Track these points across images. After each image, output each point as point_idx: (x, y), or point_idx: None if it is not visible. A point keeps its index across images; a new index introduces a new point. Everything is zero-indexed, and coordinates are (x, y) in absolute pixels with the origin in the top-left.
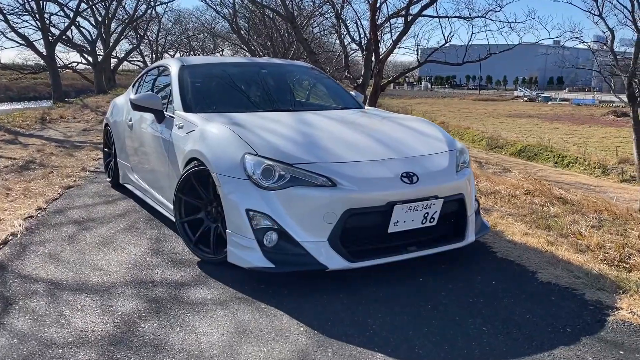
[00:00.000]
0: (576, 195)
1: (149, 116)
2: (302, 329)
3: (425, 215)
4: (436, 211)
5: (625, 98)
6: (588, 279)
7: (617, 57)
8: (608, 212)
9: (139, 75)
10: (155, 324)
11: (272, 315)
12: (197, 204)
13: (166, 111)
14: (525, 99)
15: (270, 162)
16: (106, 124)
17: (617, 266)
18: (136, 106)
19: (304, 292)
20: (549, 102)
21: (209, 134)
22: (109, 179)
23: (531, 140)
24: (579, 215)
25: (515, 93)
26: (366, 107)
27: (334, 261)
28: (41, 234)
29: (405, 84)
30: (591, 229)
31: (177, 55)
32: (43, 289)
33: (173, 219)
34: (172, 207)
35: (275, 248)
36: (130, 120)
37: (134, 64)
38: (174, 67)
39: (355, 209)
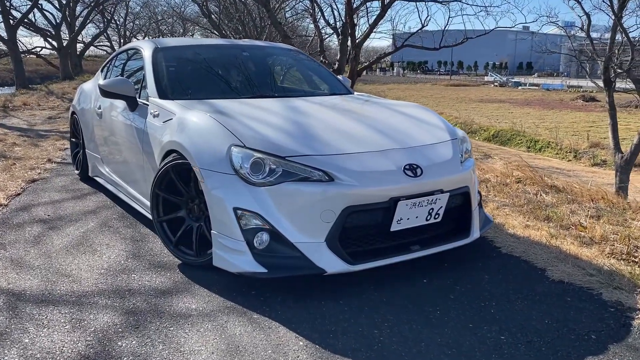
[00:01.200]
0: (571, 185)
1: (121, 103)
2: (301, 343)
3: (430, 211)
4: (441, 206)
5: (601, 83)
6: (602, 277)
7: (587, 42)
8: (604, 200)
9: (108, 59)
10: (134, 342)
11: (267, 327)
12: (177, 201)
13: (139, 98)
14: (495, 84)
15: (259, 155)
16: (73, 112)
17: (626, 260)
18: (106, 92)
19: (299, 299)
20: (519, 87)
21: (189, 124)
22: (77, 172)
23: (504, 125)
24: (575, 204)
25: (486, 78)
26: (355, 93)
27: (333, 264)
28: (2, 235)
29: (377, 70)
30: (591, 220)
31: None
32: (3, 302)
33: (149, 216)
34: (148, 203)
35: (267, 250)
36: (100, 108)
37: (101, 49)
38: (147, 49)
39: (355, 206)
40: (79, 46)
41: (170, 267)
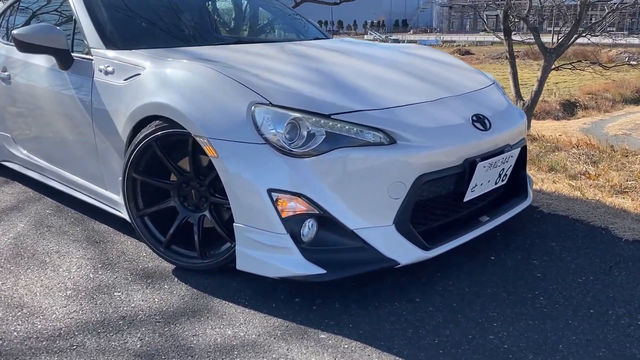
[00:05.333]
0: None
1: (44, 60)
2: None
3: (501, 172)
4: (510, 165)
5: (502, 35)
6: None
7: None
8: (588, 146)
9: (8, 4)
10: None
11: (349, 351)
12: (165, 185)
13: (72, 52)
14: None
15: (296, 115)
16: None
17: None
18: (25, 45)
19: (363, 303)
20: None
21: (176, 78)
22: None
23: None
24: (562, 152)
25: (366, 37)
26: (335, 38)
27: (406, 253)
28: None
29: None
30: (593, 166)
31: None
32: None
33: (103, 206)
34: (98, 189)
35: (316, 243)
36: (5, 71)
37: None
38: None
39: (429, 173)
40: None
41: (161, 275)
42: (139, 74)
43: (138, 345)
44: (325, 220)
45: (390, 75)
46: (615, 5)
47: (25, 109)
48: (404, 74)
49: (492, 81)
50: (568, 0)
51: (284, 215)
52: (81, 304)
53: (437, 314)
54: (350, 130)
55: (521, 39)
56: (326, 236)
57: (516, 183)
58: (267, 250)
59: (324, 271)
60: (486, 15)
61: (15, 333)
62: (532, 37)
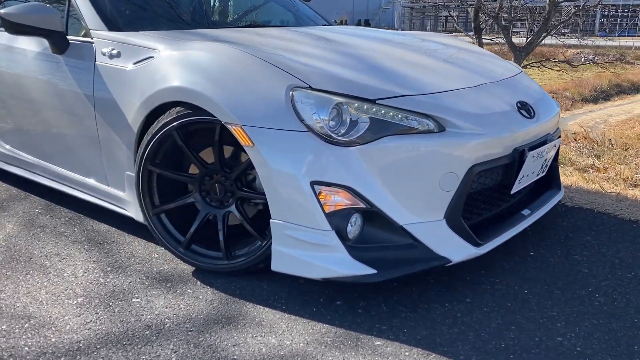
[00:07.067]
0: None
1: (33, 45)
2: None
3: (543, 163)
4: (552, 156)
5: (471, 33)
6: None
7: None
8: (586, 139)
9: None
10: None
11: (411, 359)
12: (185, 179)
13: (67, 35)
14: None
15: (339, 99)
16: None
17: None
18: (15, 26)
19: (411, 304)
20: None
21: (201, 60)
22: None
23: None
24: (562, 145)
25: None
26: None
27: (458, 249)
28: None
29: None
30: (598, 160)
31: None
32: None
33: (96, 201)
34: (97, 185)
35: (362, 241)
36: None
37: None
38: None
39: (481, 163)
40: None
41: (180, 278)
42: (152, 57)
43: (173, 359)
44: (371, 215)
45: (423, 60)
46: (581, 6)
47: (9, 98)
48: (436, 60)
49: (520, 69)
50: (531, 2)
51: (327, 209)
52: (97, 313)
53: (493, 315)
54: (395, 116)
55: (490, 39)
56: (372, 232)
57: (550, 175)
58: (309, 249)
59: (375, 271)
60: (452, 14)
61: (26, 348)
62: (498, 36)
